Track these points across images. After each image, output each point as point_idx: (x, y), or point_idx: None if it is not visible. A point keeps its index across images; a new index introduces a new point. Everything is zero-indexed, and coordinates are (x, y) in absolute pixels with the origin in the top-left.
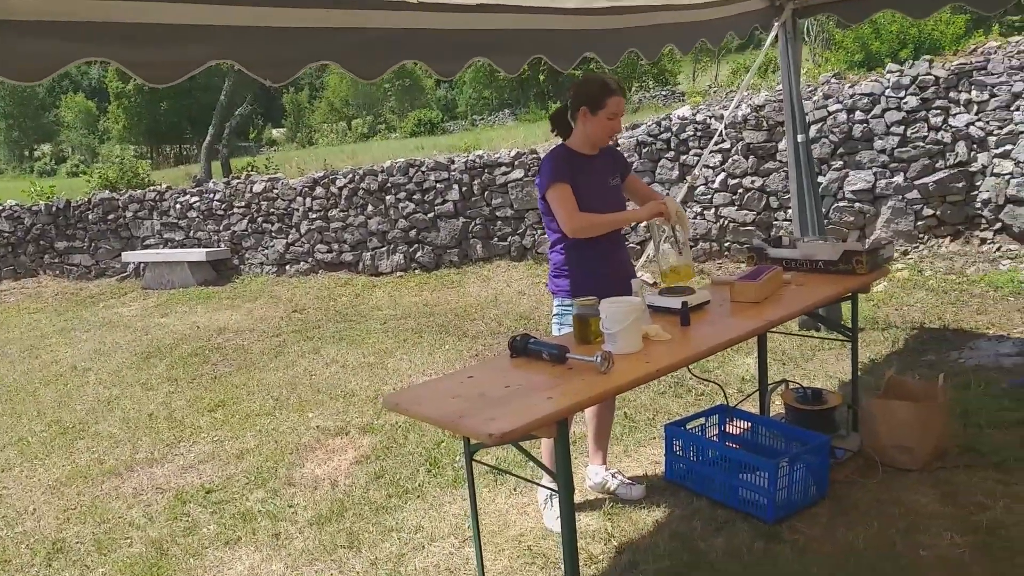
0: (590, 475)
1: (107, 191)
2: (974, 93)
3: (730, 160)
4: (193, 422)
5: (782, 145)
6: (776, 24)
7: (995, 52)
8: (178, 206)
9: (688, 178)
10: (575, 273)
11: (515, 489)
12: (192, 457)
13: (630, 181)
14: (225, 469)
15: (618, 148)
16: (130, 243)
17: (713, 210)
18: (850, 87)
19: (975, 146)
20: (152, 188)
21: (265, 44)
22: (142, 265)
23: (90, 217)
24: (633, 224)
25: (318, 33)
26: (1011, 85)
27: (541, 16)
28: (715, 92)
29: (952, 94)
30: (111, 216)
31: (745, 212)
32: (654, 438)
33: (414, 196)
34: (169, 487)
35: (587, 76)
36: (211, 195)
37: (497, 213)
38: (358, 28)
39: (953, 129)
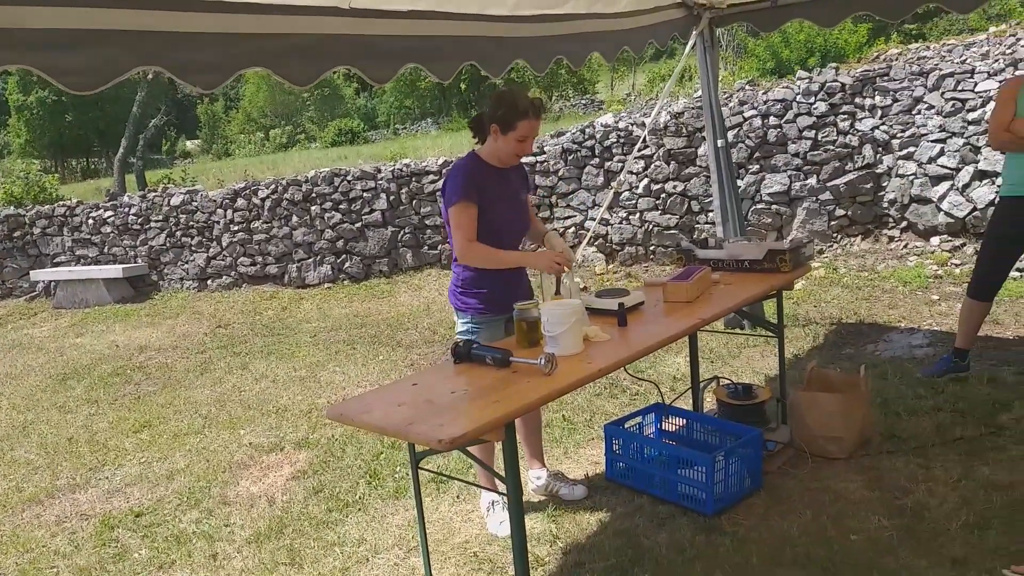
0: (532, 478)
1: (11, 207)
2: (878, 98)
3: (652, 166)
4: (117, 444)
5: (701, 151)
6: (694, 32)
7: (896, 59)
8: (91, 221)
9: (613, 184)
10: (490, 290)
11: (458, 496)
12: (118, 480)
13: (527, 199)
14: (154, 491)
15: (523, 166)
16: (39, 261)
17: (638, 215)
18: (763, 93)
19: (880, 149)
20: (61, 203)
21: (195, 50)
22: (53, 284)
23: None
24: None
25: (249, 39)
26: (912, 90)
27: (472, 23)
28: (634, 100)
29: (858, 99)
30: (17, 233)
31: (668, 216)
32: (592, 439)
33: (340, 206)
34: (94, 512)
35: (503, 93)
36: (126, 209)
37: (427, 221)
38: (290, 34)
39: (860, 133)
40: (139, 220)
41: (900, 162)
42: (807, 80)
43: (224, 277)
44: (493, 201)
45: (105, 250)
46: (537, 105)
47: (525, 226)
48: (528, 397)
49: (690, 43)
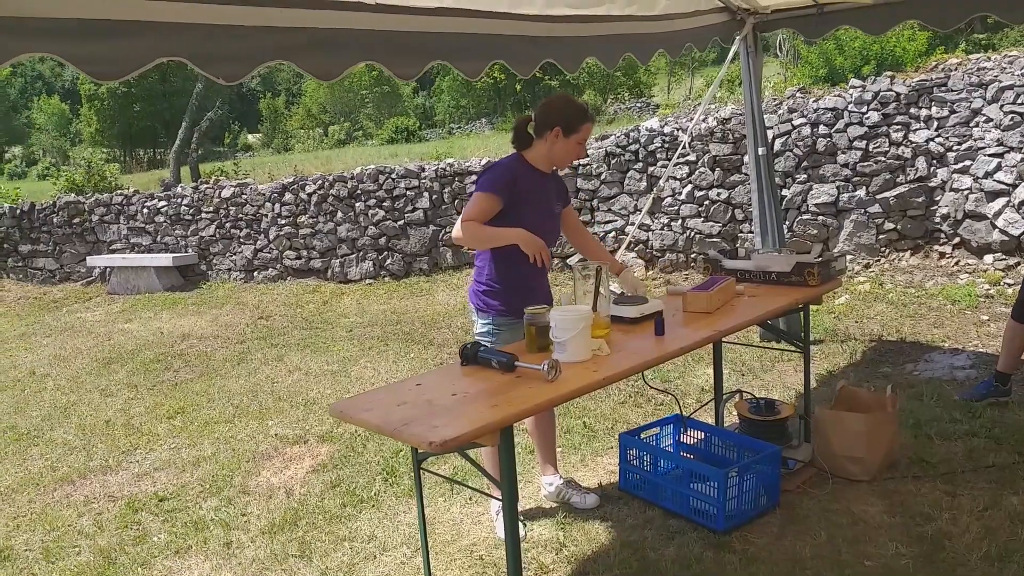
0: (544, 484)
1: (73, 195)
2: (934, 109)
3: (696, 172)
4: (151, 429)
5: (747, 158)
6: (737, 38)
7: (955, 69)
8: (145, 210)
9: (655, 189)
10: (508, 291)
11: (471, 499)
12: (147, 465)
13: (567, 213)
14: (180, 477)
15: (560, 176)
16: (96, 247)
17: (680, 221)
18: (814, 101)
19: (935, 161)
20: (119, 192)
21: (217, 41)
22: (108, 270)
23: (55, 221)
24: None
25: (273, 32)
26: (970, 102)
27: (500, 21)
28: (688, 104)
29: (913, 110)
30: (76, 220)
31: (711, 224)
32: (611, 447)
33: (384, 203)
34: (122, 495)
35: (564, 97)
36: (179, 200)
37: None
38: (314, 28)
39: (913, 144)
40: (191, 211)
41: (955, 176)
42: (860, 88)
43: (270, 269)
44: (526, 203)
45: (158, 239)
46: (592, 112)
47: (554, 237)
48: (528, 403)
49: (733, 48)
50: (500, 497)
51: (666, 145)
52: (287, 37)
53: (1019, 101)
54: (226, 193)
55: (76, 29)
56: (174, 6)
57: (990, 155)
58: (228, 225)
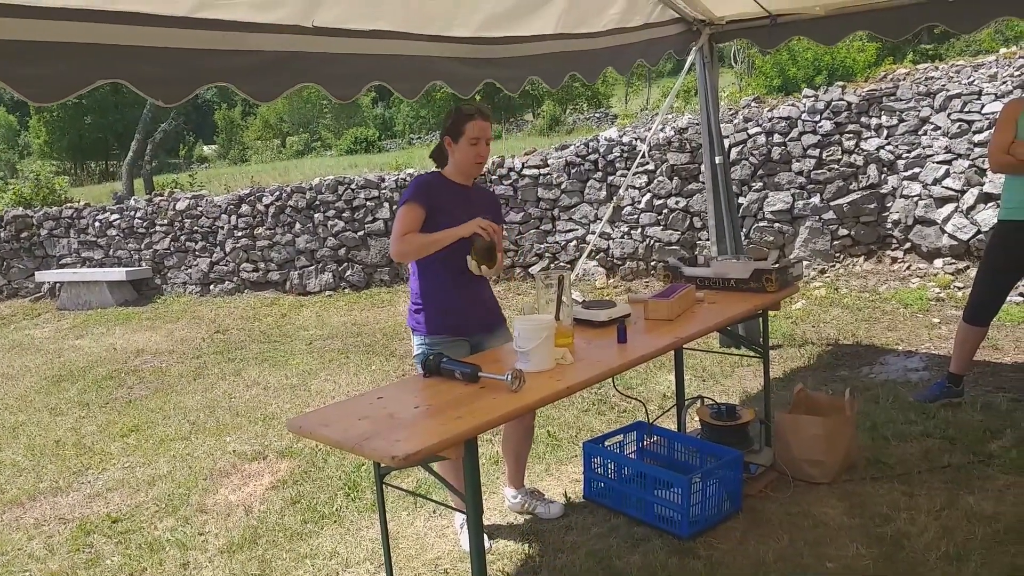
0: (508, 496)
1: (20, 208)
2: (884, 118)
3: (655, 181)
4: (103, 448)
5: (704, 167)
6: (693, 48)
7: (904, 79)
8: (97, 224)
9: (614, 198)
10: (442, 307)
11: (434, 512)
12: (100, 485)
13: (497, 232)
14: (134, 497)
15: (494, 193)
16: (45, 262)
17: (639, 230)
18: (769, 111)
19: (885, 169)
20: (69, 205)
21: (156, 65)
22: (57, 285)
23: (1, 235)
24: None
25: (212, 55)
26: (918, 111)
27: (434, 44)
28: (645, 114)
29: (863, 119)
30: (24, 234)
31: (670, 232)
32: (575, 456)
33: (343, 214)
34: (73, 517)
35: (452, 108)
36: (132, 213)
37: None
38: (253, 50)
39: (865, 152)
40: (144, 224)
41: (905, 183)
42: (813, 98)
43: (227, 282)
44: (443, 213)
45: (110, 253)
46: (484, 108)
47: None
48: (492, 414)
49: (689, 59)
50: (464, 510)
51: (625, 155)
52: (226, 60)
53: (966, 109)
54: (181, 205)
55: (13, 51)
56: (112, 28)
57: (938, 162)
58: (183, 238)
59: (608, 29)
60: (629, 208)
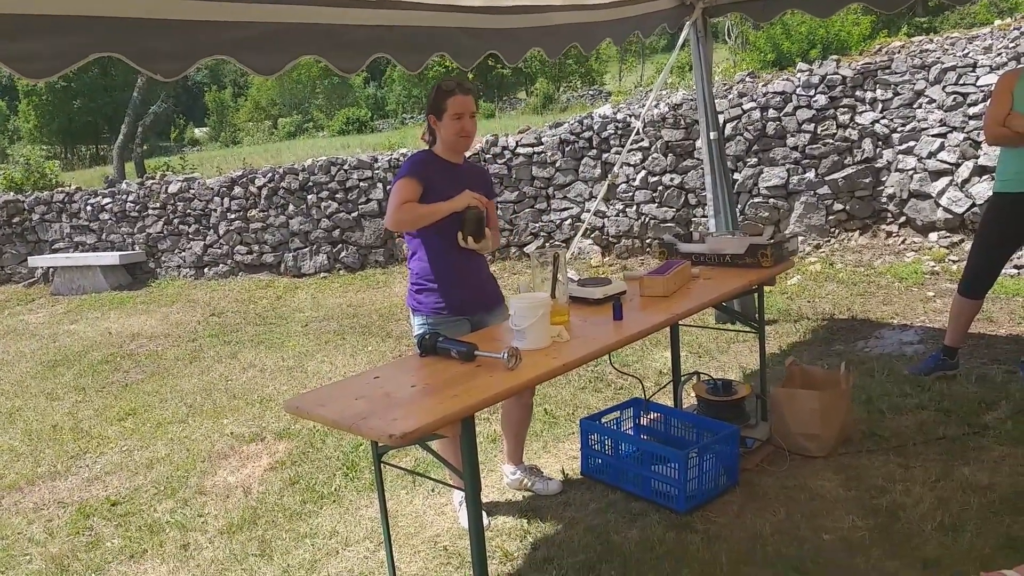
0: (507, 473)
1: (11, 193)
2: (879, 92)
3: (650, 158)
4: (100, 432)
5: (699, 143)
6: (687, 23)
7: (898, 52)
8: (89, 208)
9: (609, 176)
10: (442, 286)
11: (433, 490)
12: (98, 469)
13: (489, 207)
14: (133, 480)
15: (486, 170)
16: (37, 247)
17: (635, 207)
18: (763, 86)
19: (880, 143)
20: (60, 189)
21: (155, 38)
22: (51, 270)
23: None
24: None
25: (211, 27)
26: (913, 84)
27: (444, 14)
28: (639, 91)
29: (858, 93)
30: (16, 219)
31: (665, 209)
32: (572, 433)
33: (337, 195)
34: (72, 501)
35: (434, 87)
36: (124, 196)
37: None
38: (252, 22)
39: (860, 127)
40: (137, 207)
41: (900, 157)
42: (807, 72)
43: (221, 265)
44: (438, 194)
45: (103, 237)
46: (464, 83)
47: None
48: (488, 392)
49: (683, 34)
50: (462, 488)
51: (619, 132)
52: (226, 32)
53: (961, 82)
54: (173, 188)
55: (5, 25)
56: (107, 0)
57: (933, 135)
58: (176, 221)
59: (609, 1)
60: (624, 186)
